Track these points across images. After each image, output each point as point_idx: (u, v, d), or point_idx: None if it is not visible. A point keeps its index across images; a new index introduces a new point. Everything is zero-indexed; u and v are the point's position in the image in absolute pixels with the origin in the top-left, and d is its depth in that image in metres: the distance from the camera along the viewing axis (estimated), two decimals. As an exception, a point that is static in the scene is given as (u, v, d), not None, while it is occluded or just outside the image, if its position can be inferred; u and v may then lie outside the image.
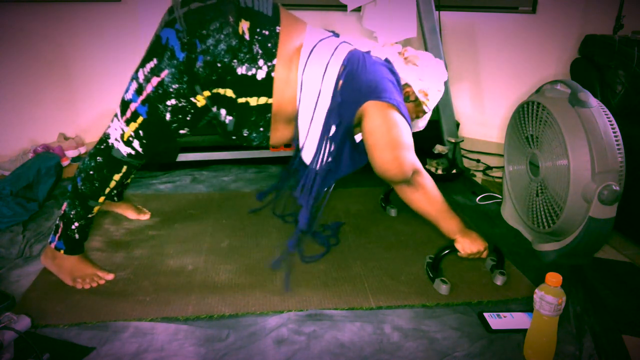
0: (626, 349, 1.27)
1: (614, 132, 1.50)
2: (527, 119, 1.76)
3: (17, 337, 1.09)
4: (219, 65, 1.29)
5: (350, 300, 1.42)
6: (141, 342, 1.21)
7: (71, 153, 2.56)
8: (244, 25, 1.29)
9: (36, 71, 2.59)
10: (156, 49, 1.32)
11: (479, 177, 2.52)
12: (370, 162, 1.44)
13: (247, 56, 1.30)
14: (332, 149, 1.43)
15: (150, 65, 1.31)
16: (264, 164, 2.56)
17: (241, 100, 1.35)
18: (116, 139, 1.40)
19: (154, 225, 1.85)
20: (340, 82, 1.38)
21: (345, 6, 2.60)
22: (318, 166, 1.45)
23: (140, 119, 1.36)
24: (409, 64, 1.54)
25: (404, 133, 1.40)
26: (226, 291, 1.44)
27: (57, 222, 1.48)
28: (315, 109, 1.40)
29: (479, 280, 1.54)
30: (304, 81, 1.38)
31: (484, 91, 3.16)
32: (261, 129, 1.42)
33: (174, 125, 1.38)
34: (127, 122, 1.37)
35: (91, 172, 1.42)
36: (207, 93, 1.34)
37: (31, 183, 1.93)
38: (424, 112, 1.60)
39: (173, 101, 1.33)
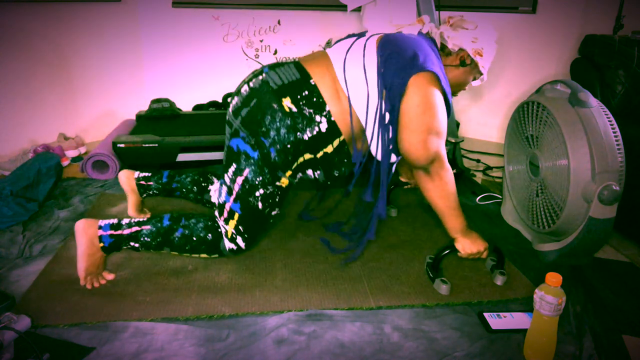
0: (626, 349, 1.27)
1: (614, 132, 1.50)
2: (527, 119, 1.76)
3: (17, 337, 1.08)
4: (289, 147, 1.41)
5: (350, 300, 1.42)
6: (141, 342, 1.21)
7: (71, 153, 2.56)
8: (287, 102, 1.40)
9: (36, 71, 2.59)
10: (232, 157, 1.47)
11: (479, 177, 2.52)
12: (398, 139, 1.44)
13: (305, 122, 1.40)
14: (391, 135, 1.43)
15: (232, 169, 1.46)
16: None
17: (320, 154, 1.44)
18: (224, 234, 1.52)
19: (154, 225, 1.85)
20: (382, 70, 1.39)
21: (345, 6, 2.60)
22: (380, 155, 1.47)
23: (236, 215, 1.48)
24: (457, 29, 1.54)
25: (439, 119, 1.41)
26: (226, 291, 1.44)
27: (123, 223, 1.47)
28: (367, 109, 1.42)
29: (479, 280, 1.54)
30: (351, 96, 1.42)
31: (484, 91, 3.16)
32: (345, 160, 1.48)
33: (267, 210, 1.50)
34: (226, 221, 1.50)
35: (194, 238, 1.50)
36: (289, 173, 1.46)
37: (31, 183, 1.93)
38: (481, 73, 1.59)
39: (261, 191, 1.46)
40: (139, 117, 2.74)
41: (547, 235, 1.70)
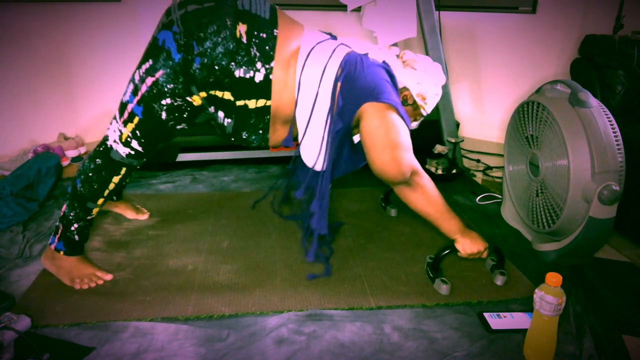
0: (626, 349, 1.27)
1: (614, 132, 1.50)
2: (527, 119, 1.76)
3: (17, 337, 1.08)
4: (216, 67, 1.30)
5: (350, 300, 1.42)
6: (141, 342, 1.21)
7: (71, 153, 2.56)
8: (242, 28, 1.30)
9: (36, 71, 2.59)
10: (152, 51, 1.33)
11: (479, 177, 2.52)
12: (368, 163, 1.44)
13: (245, 59, 1.30)
14: (332, 150, 1.43)
15: (146, 66, 1.33)
16: (264, 164, 2.56)
17: (239, 103, 1.36)
18: (114, 141, 1.42)
19: (154, 225, 1.85)
20: (339, 84, 1.38)
21: (345, 6, 2.60)
22: (321, 167, 1.46)
23: (136, 119, 1.37)
24: (407, 67, 1.54)
25: (402, 134, 1.40)
26: (226, 291, 1.44)
27: (57, 223, 1.48)
28: (312, 110, 1.40)
29: (479, 280, 1.54)
30: (301, 83, 1.38)
31: (484, 91, 3.16)
32: (260, 130, 1.43)
33: (171, 123, 1.39)
34: (125, 123, 1.39)
35: (90, 174, 1.43)
36: (203, 94, 1.34)
37: (31, 183, 1.93)
38: (422, 116, 1.60)
39: (168, 100, 1.34)
40: (139, 117, 2.74)
41: (547, 235, 1.70)
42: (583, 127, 1.50)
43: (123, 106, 1.39)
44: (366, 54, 1.51)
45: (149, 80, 1.33)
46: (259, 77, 1.33)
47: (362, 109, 1.38)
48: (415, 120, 1.61)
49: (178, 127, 1.42)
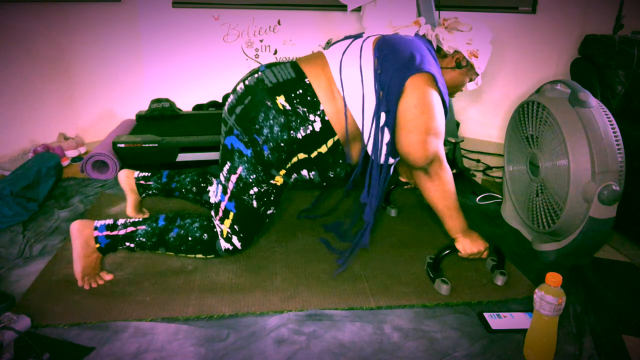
0: (626, 349, 1.27)
1: (614, 132, 1.50)
2: (527, 119, 1.76)
3: (17, 337, 1.08)
4: (282, 145, 1.41)
5: (351, 300, 1.42)
6: (141, 342, 1.21)
7: (71, 153, 2.56)
8: (281, 100, 1.40)
9: (36, 71, 2.59)
10: (226, 155, 1.48)
11: (479, 177, 2.52)
12: (395, 140, 1.44)
13: (298, 120, 1.40)
14: (388, 137, 1.43)
15: (226, 167, 1.48)
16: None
17: (314, 154, 1.44)
18: (219, 233, 1.52)
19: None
20: (379, 70, 1.39)
21: (345, 6, 2.60)
22: (379, 157, 1.46)
23: (231, 215, 1.49)
24: (452, 31, 1.54)
25: (436, 118, 1.41)
26: (226, 291, 1.44)
27: (119, 223, 1.47)
28: (363, 110, 1.42)
29: (479, 280, 1.54)
30: (347, 97, 1.42)
31: (484, 91, 3.16)
32: (340, 161, 1.48)
33: (262, 209, 1.51)
34: (222, 221, 1.51)
35: (189, 239, 1.51)
36: (282, 172, 1.46)
37: (31, 183, 1.93)
38: (477, 74, 1.60)
39: (255, 189, 1.47)
40: (139, 117, 2.74)
41: (547, 235, 1.70)
42: (583, 127, 1.50)
43: (217, 206, 1.52)
44: (396, 33, 1.52)
45: (233, 178, 1.46)
46: (317, 125, 1.41)
47: (405, 86, 1.38)
48: (471, 80, 1.62)
49: (269, 212, 1.53)
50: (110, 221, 1.47)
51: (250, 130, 1.41)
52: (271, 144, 1.41)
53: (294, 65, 1.47)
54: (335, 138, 1.44)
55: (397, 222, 1.95)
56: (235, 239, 1.52)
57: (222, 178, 1.49)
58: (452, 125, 2.54)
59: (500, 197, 2.14)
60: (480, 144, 3.05)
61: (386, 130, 1.42)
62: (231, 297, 1.41)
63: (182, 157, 2.42)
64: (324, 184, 1.53)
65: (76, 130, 2.78)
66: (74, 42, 2.73)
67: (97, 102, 2.90)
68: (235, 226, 1.50)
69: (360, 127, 1.44)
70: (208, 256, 1.56)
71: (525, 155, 1.81)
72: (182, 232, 1.50)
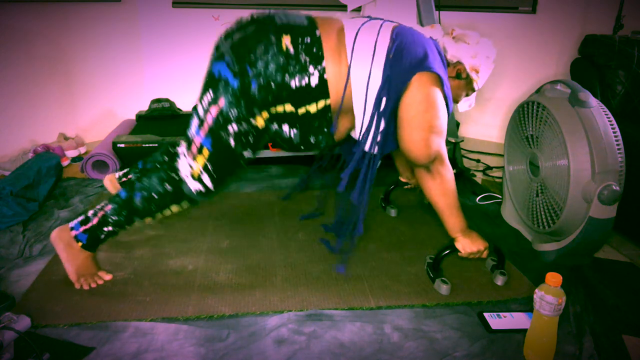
0: (626, 349, 1.27)
1: (614, 132, 1.50)
2: (527, 119, 1.76)
3: (17, 337, 1.08)
4: (272, 85, 1.33)
5: (351, 300, 1.42)
6: (141, 342, 1.21)
7: (71, 153, 2.56)
8: (286, 40, 1.33)
9: (36, 71, 2.59)
10: (210, 83, 1.37)
11: (479, 177, 2.52)
12: (398, 137, 1.43)
13: (297, 67, 1.33)
14: (382, 125, 1.42)
15: (207, 97, 1.36)
16: (264, 164, 2.56)
17: (301, 110, 1.38)
18: (186, 175, 1.40)
19: (154, 225, 1.84)
20: (391, 55, 1.38)
21: (345, 6, 2.60)
22: (368, 145, 1.44)
23: (206, 151, 1.38)
24: (459, 42, 1.54)
25: (440, 117, 1.41)
26: (226, 291, 1.44)
27: (90, 215, 1.43)
28: (367, 89, 1.39)
29: (479, 280, 1.54)
30: (353, 67, 1.38)
31: (484, 91, 3.16)
32: (325, 129, 1.44)
33: (239, 149, 1.40)
34: (194, 158, 1.39)
35: (154, 195, 1.41)
36: (265, 114, 1.38)
37: (31, 183, 1.93)
38: (473, 90, 1.60)
39: (235, 126, 1.36)
40: (139, 117, 2.74)
41: (547, 235, 1.70)
42: (583, 127, 1.50)
43: (189, 140, 1.40)
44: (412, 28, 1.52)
45: (214, 110, 1.35)
46: (314, 80, 1.35)
47: (412, 80, 1.37)
48: (467, 95, 1.62)
49: (245, 152, 1.43)
50: (81, 217, 1.44)
51: (243, 59, 1.32)
52: (261, 80, 1.32)
53: (309, 17, 1.41)
54: (327, 102, 1.38)
55: (397, 222, 1.95)
56: (206, 178, 1.40)
57: (199, 110, 1.38)
58: (452, 125, 2.54)
59: (500, 197, 2.14)
60: (480, 144, 3.05)
61: (382, 119, 1.40)
62: (231, 297, 1.41)
63: (182, 157, 2.41)
64: (302, 147, 1.47)
65: (76, 130, 2.78)
66: (74, 42, 2.73)
67: (97, 102, 2.90)
68: (208, 164, 1.39)
69: (356, 104, 1.41)
70: (182, 205, 1.44)
71: (525, 155, 1.81)
72: (145, 193, 1.41)
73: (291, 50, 1.33)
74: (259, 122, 1.39)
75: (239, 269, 1.56)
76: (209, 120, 1.36)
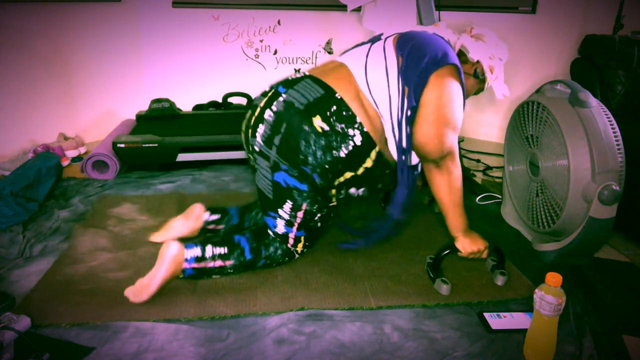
0: (626, 349, 1.27)
1: (614, 132, 1.50)
2: (527, 119, 1.76)
3: (17, 337, 1.08)
4: (327, 167, 1.38)
5: (351, 300, 1.42)
6: (141, 342, 1.21)
7: (71, 153, 2.56)
8: (318, 122, 1.36)
9: (36, 71, 2.59)
10: (283, 193, 1.44)
11: (479, 177, 2.52)
12: (412, 132, 1.42)
13: (339, 138, 1.37)
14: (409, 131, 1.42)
15: (288, 206, 1.45)
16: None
17: (360, 170, 1.42)
18: (295, 250, 1.56)
19: (157, 225, 1.84)
20: (404, 67, 1.38)
21: (345, 6, 2.60)
22: (408, 156, 1.45)
23: (302, 238, 1.53)
24: (478, 40, 1.53)
25: (456, 112, 1.41)
26: (227, 291, 1.44)
27: (207, 255, 1.43)
28: (390, 111, 1.40)
29: (479, 280, 1.54)
30: (377, 102, 1.40)
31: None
32: (387, 170, 1.47)
33: (326, 224, 1.55)
34: (294, 245, 1.54)
35: (274, 265, 1.55)
36: (333, 191, 1.45)
37: (31, 183, 1.93)
38: (482, 90, 1.60)
39: (319, 215, 1.48)
40: (139, 117, 2.74)
41: (547, 235, 1.70)
42: (583, 127, 1.50)
43: (284, 236, 1.51)
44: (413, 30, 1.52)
45: (300, 214, 1.46)
46: (357, 140, 1.38)
47: (430, 79, 1.37)
48: (475, 93, 1.63)
49: (330, 222, 1.57)
50: (198, 252, 1.42)
51: (296, 163, 1.38)
52: (318, 169, 1.38)
53: (317, 80, 1.42)
54: (377, 149, 1.41)
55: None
56: (305, 250, 1.59)
57: (283, 214, 1.47)
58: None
59: (500, 197, 2.14)
60: (480, 144, 3.05)
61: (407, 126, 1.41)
62: (232, 297, 1.41)
63: (182, 157, 2.42)
64: (373, 195, 1.54)
65: (76, 130, 2.78)
66: (74, 42, 2.73)
67: (97, 102, 2.90)
68: (307, 243, 1.55)
69: (388, 128, 1.42)
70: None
71: (525, 155, 1.81)
72: (269, 261, 1.53)
73: (326, 128, 1.37)
74: (334, 200, 1.48)
75: (239, 269, 1.56)
76: (298, 220, 1.47)
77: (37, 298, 1.38)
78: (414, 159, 1.48)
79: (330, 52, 3.20)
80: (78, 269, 1.52)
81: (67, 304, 1.35)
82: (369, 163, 1.41)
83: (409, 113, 1.38)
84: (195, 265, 1.42)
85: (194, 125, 2.62)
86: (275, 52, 3.18)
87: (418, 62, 1.37)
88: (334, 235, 1.79)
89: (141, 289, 1.35)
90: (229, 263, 1.46)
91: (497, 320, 1.34)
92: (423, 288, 1.49)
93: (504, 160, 1.96)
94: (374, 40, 1.51)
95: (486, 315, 1.36)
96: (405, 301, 1.42)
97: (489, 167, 2.65)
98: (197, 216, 1.67)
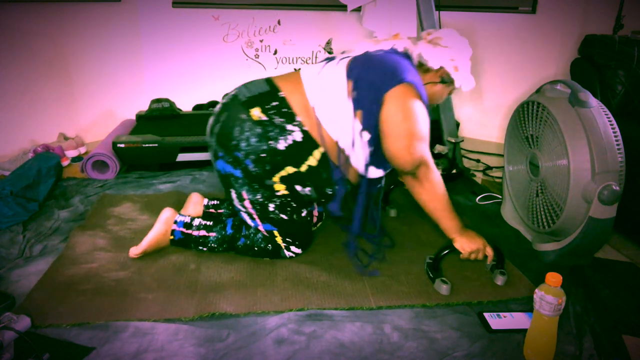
0: (626, 349, 1.27)
1: (614, 132, 1.50)
2: (527, 119, 1.76)
3: (17, 337, 1.08)
4: (262, 155, 1.42)
5: (351, 300, 1.42)
6: (141, 342, 1.21)
7: (71, 153, 2.56)
8: (256, 112, 1.43)
9: (36, 71, 2.59)
10: (224, 181, 1.53)
11: (479, 177, 2.52)
12: (383, 148, 1.46)
13: (277, 130, 1.42)
14: (368, 150, 1.46)
15: (233, 195, 1.52)
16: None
17: (303, 168, 1.45)
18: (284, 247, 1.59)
19: (154, 225, 1.84)
20: (355, 93, 1.41)
21: (345, 6, 2.60)
22: (362, 169, 1.50)
23: (275, 232, 1.55)
24: (436, 46, 1.54)
25: (419, 123, 1.42)
26: (227, 291, 1.44)
27: (195, 224, 1.60)
28: (342, 127, 1.44)
29: (479, 280, 1.54)
30: (322, 112, 1.43)
31: (484, 91, 3.16)
32: (333, 177, 1.49)
33: (294, 215, 1.54)
34: (274, 239, 1.56)
35: (255, 249, 1.58)
36: (275, 179, 1.47)
37: (31, 183, 1.93)
38: (454, 88, 1.61)
39: (271, 205, 1.50)
40: (139, 117, 2.74)
41: (547, 235, 1.70)
42: (583, 127, 1.50)
43: (256, 229, 1.56)
44: (367, 52, 1.52)
45: (247, 204, 1.51)
46: (297, 135, 1.43)
47: (384, 99, 1.40)
48: (449, 94, 1.64)
49: (302, 214, 1.56)
50: (187, 219, 1.61)
51: (229, 149, 1.44)
52: (252, 156, 1.42)
53: (268, 80, 1.51)
54: (322, 150, 1.45)
55: (397, 222, 1.95)
56: (293, 247, 1.59)
57: (238, 206, 1.53)
58: (452, 126, 2.54)
59: (500, 197, 2.14)
60: (480, 144, 3.05)
61: (367, 146, 1.45)
62: (232, 297, 1.41)
63: (182, 157, 2.42)
64: (323, 200, 1.56)
65: (76, 130, 2.78)
66: (74, 42, 2.73)
67: (97, 102, 2.90)
68: (286, 238, 1.55)
69: (342, 143, 1.45)
70: (276, 259, 1.60)
71: (525, 155, 1.81)
72: (248, 242, 1.56)
73: (264, 118, 1.42)
74: (281, 188, 1.48)
75: (240, 269, 1.56)
76: (252, 211, 1.51)
77: (37, 298, 1.38)
78: (375, 173, 1.53)
79: (330, 52, 3.20)
80: (78, 269, 1.52)
81: (67, 304, 1.35)
82: (312, 162, 1.45)
83: (363, 134, 1.42)
84: (183, 229, 1.59)
85: (194, 125, 2.62)
86: (275, 52, 3.18)
87: (368, 86, 1.40)
88: (334, 235, 1.79)
89: (138, 247, 1.56)
90: (211, 235, 1.58)
91: (497, 320, 1.34)
92: (423, 288, 1.49)
93: (504, 160, 1.97)
94: (330, 59, 1.55)
95: (486, 315, 1.36)
96: (405, 301, 1.42)
97: (489, 167, 2.65)
98: (195, 202, 1.78)
